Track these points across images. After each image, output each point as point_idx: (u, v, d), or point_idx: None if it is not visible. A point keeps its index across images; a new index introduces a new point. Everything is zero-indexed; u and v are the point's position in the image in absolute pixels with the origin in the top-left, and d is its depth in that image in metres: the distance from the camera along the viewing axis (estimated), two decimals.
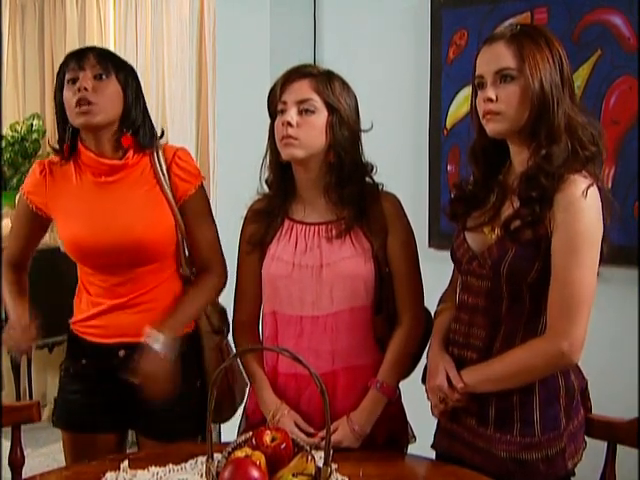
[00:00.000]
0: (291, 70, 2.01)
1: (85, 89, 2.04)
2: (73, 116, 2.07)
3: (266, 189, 2.09)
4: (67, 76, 2.08)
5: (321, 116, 1.97)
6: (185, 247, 2.18)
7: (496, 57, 1.78)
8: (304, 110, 1.95)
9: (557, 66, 1.77)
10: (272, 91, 2.01)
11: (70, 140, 2.13)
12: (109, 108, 2.07)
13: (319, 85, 1.97)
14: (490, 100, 1.77)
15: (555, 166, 1.72)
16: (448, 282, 2.06)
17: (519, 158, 1.82)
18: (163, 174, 2.13)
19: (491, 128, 1.79)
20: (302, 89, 1.97)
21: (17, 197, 2.26)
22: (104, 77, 2.07)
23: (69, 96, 2.07)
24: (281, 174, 2.04)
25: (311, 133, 1.95)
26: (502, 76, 1.76)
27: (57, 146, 2.17)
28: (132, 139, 2.11)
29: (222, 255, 2.22)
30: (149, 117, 2.18)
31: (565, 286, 1.71)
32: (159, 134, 2.20)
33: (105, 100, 2.06)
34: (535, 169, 1.74)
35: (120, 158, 2.12)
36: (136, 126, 2.12)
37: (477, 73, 1.82)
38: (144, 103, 2.17)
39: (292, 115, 1.94)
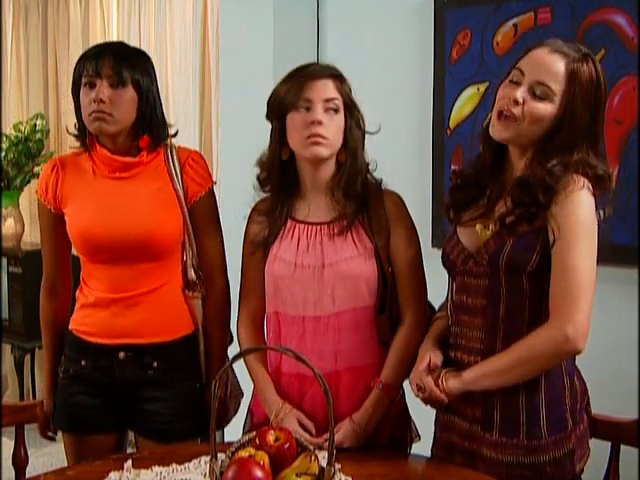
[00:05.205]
0: (314, 67, 2.00)
1: (102, 101, 2.06)
2: (88, 122, 2.10)
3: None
4: (84, 79, 2.09)
5: (341, 116, 1.98)
6: (190, 251, 2.19)
7: (546, 69, 1.72)
8: (328, 109, 1.95)
9: (594, 112, 1.73)
10: (288, 87, 1.97)
11: (88, 134, 2.16)
12: (124, 118, 2.10)
13: (341, 85, 1.98)
14: (515, 102, 1.73)
15: (556, 184, 1.71)
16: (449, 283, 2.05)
17: (520, 163, 1.80)
18: (176, 173, 2.15)
19: (499, 133, 1.77)
20: (327, 88, 1.96)
21: (37, 207, 2.25)
22: (120, 86, 2.08)
23: (86, 102, 2.09)
24: (285, 174, 2.03)
25: (336, 133, 1.96)
26: (539, 91, 1.72)
27: (76, 133, 2.19)
28: (147, 139, 2.14)
29: (225, 264, 2.24)
30: (162, 114, 2.20)
31: (566, 272, 1.69)
32: (172, 132, 2.22)
33: (121, 111, 2.08)
34: (535, 181, 1.72)
35: (134, 155, 2.14)
36: (150, 127, 2.15)
37: (519, 65, 1.76)
38: (159, 99, 2.18)
39: (321, 113, 1.94)
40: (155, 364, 2.14)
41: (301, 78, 1.96)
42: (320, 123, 1.93)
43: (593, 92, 1.73)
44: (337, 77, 1.99)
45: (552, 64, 1.72)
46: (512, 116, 1.73)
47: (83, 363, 2.17)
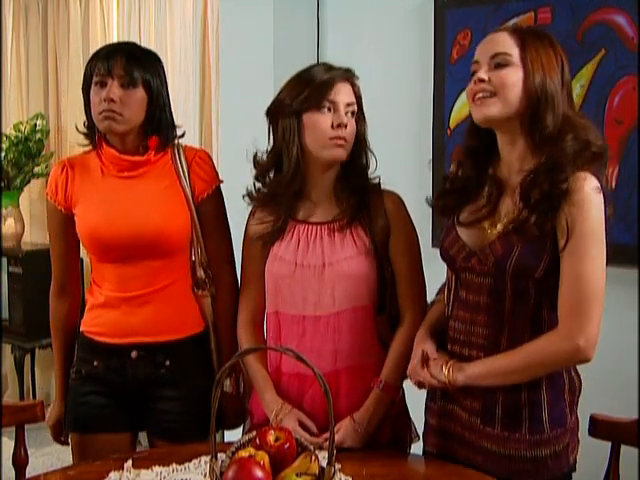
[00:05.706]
0: (338, 69, 2.00)
1: (112, 100, 2.07)
2: (98, 120, 2.12)
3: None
4: (95, 78, 2.11)
5: (354, 120, 2.00)
6: (199, 249, 2.20)
7: (495, 43, 1.76)
8: (347, 112, 1.97)
9: (559, 68, 1.74)
10: (312, 86, 1.96)
11: (97, 133, 2.18)
12: (134, 118, 2.11)
13: (357, 90, 2.01)
14: (481, 81, 1.73)
15: (563, 174, 1.69)
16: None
17: (513, 153, 1.78)
18: (183, 172, 2.17)
19: (480, 113, 1.75)
20: (349, 92, 1.99)
21: (47, 209, 2.25)
22: (131, 86, 2.09)
23: (96, 101, 2.10)
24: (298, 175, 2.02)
25: (353, 136, 1.99)
26: (498, 62, 1.73)
27: (85, 131, 2.21)
28: (156, 139, 2.16)
29: (233, 263, 2.24)
30: (171, 115, 2.22)
31: (577, 282, 1.69)
32: (179, 133, 2.23)
33: (131, 111, 2.10)
34: (542, 175, 1.70)
35: (142, 154, 2.16)
36: (159, 128, 2.16)
37: (474, 59, 1.79)
38: (168, 100, 2.21)
39: (346, 117, 1.96)
40: (167, 363, 2.15)
41: (326, 78, 1.96)
42: (346, 126, 1.95)
43: (551, 51, 1.74)
44: (355, 81, 2.01)
45: (502, 37, 1.76)
46: (487, 90, 1.73)
47: (95, 363, 2.18)
